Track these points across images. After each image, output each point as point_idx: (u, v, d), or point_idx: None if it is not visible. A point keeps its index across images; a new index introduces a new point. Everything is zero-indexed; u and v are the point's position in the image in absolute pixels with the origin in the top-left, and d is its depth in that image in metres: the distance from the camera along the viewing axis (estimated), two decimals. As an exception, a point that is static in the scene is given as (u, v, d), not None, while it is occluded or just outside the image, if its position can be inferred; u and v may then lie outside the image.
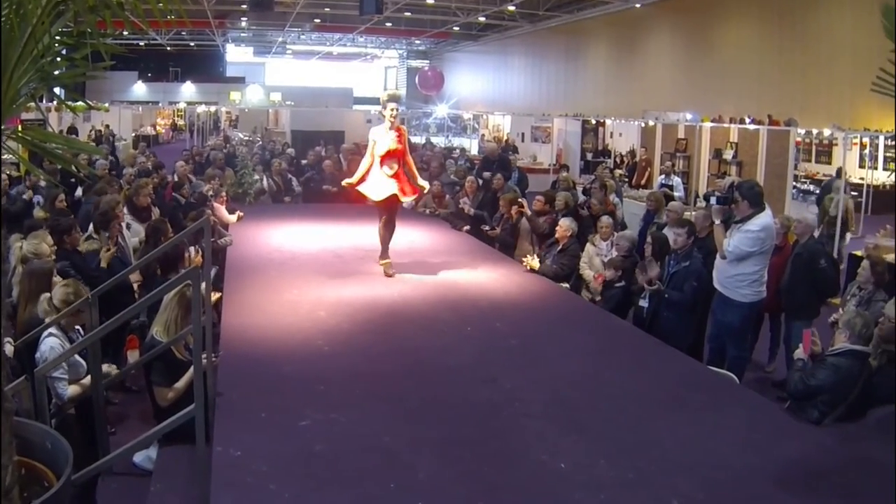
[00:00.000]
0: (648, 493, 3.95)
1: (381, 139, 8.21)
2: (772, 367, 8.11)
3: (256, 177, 13.71)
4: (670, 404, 5.19)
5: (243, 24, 34.97)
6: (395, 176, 8.25)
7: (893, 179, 18.22)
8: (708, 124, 19.44)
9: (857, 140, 18.99)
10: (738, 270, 6.63)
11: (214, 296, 6.71)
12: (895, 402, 4.95)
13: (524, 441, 4.51)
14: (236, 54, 48.18)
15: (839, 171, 13.87)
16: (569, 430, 4.68)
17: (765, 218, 6.73)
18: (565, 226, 8.79)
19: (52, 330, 5.07)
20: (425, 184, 9.17)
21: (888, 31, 4.76)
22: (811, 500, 3.99)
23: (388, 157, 8.19)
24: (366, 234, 10.11)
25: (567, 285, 8.30)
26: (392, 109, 8.22)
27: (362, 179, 8.40)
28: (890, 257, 9.11)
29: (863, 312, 5.64)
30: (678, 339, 6.71)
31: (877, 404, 5.11)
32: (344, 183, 8.78)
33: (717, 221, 6.91)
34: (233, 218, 10.37)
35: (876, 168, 19.05)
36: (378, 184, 8.22)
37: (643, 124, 21.55)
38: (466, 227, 11.19)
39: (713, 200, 6.91)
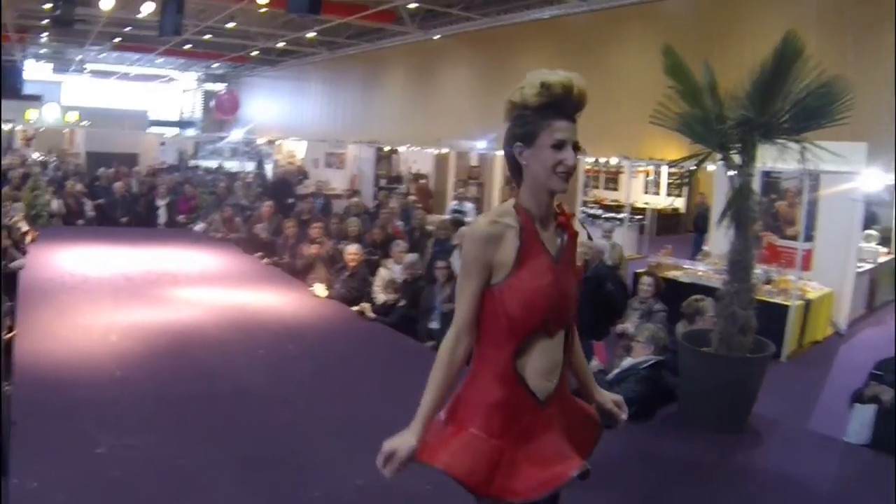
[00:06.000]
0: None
1: (529, 257, 2.36)
2: (567, 380, 8.48)
3: (49, 198, 13.38)
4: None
5: (43, 40, 33.00)
6: (558, 395, 2.49)
7: (681, 204, 19.75)
8: (500, 152, 20.13)
9: (643, 168, 20.47)
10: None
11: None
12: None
13: (321, 459, 4.54)
14: (34, 71, 45.49)
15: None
16: (363, 447, 4.72)
17: None
18: (353, 251, 8.95)
19: None
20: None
21: (666, 67, 5.25)
22: (593, 491, 4.19)
23: (549, 325, 2.41)
24: (156, 257, 9.90)
25: (357, 308, 8.31)
26: (561, 138, 2.27)
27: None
28: (670, 273, 10.16)
29: (662, 328, 6.15)
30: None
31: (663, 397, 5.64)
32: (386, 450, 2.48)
33: None
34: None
35: (658, 193, 20.61)
36: (511, 442, 2.42)
37: (437, 152, 22.07)
38: (260, 254, 10.98)
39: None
